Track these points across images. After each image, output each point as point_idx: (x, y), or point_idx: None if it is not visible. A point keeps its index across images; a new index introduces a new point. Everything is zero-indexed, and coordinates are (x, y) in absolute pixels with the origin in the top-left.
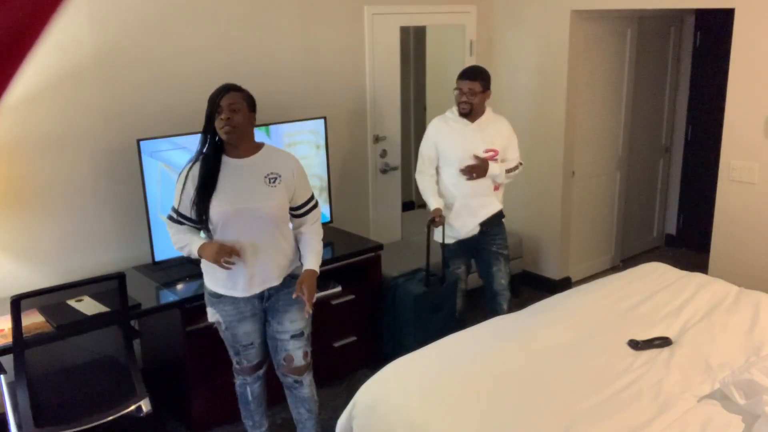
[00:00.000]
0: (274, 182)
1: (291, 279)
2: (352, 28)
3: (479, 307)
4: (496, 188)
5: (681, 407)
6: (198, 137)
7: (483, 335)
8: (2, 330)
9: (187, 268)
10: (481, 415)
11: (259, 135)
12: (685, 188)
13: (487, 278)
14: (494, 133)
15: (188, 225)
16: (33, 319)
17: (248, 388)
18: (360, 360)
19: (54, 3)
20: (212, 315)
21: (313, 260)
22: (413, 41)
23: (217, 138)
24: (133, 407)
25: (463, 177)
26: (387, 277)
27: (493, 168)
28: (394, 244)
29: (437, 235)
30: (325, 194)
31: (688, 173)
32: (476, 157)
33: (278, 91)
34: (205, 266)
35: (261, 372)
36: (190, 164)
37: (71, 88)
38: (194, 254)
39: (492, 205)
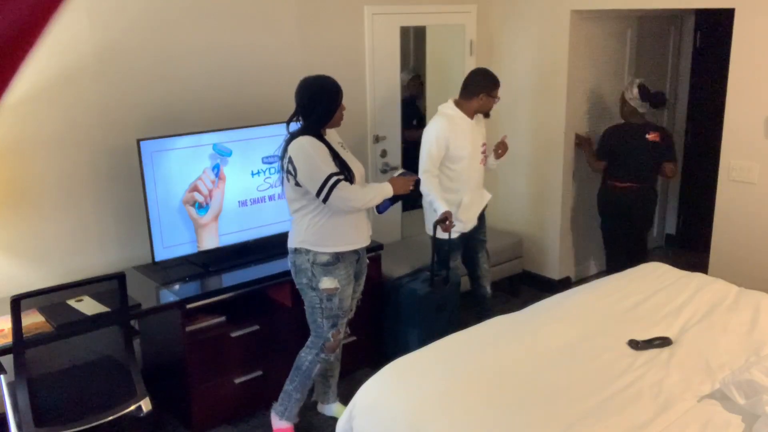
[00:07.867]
0: (346, 149)
1: None
2: (352, 28)
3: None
4: None
5: (681, 407)
6: (205, 135)
7: (483, 335)
8: (2, 330)
9: (187, 268)
10: (481, 415)
11: (260, 132)
12: (685, 188)
13: (471, 264)
14: (483, 129)
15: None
16: (33, 319)
17: (318, 366)
18: (360, 360)
19: (54, 3)
20: (331, 282)
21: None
22: (413, 41)
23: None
24: (133, 407)
25: (476, 165)
26: (389, 278)
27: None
28: (394, 244)
29: (440, 233)
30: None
31: (688, 173)
32: (502, 142)
33: (278, 90)
34: (332, 230)
35: (339, 351)
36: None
37: (71, 88)
38: (386, 194)
39: (486, 196)
